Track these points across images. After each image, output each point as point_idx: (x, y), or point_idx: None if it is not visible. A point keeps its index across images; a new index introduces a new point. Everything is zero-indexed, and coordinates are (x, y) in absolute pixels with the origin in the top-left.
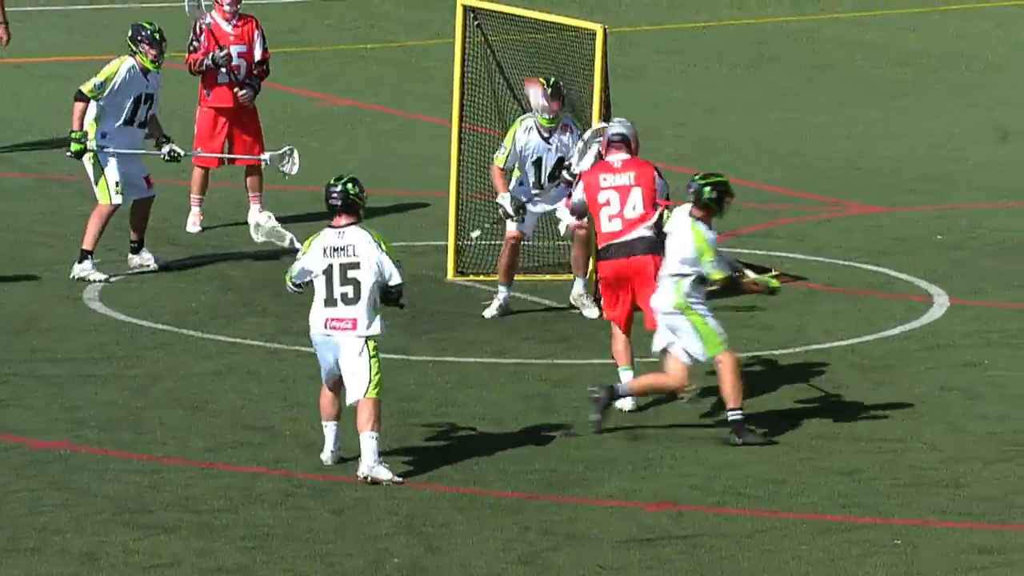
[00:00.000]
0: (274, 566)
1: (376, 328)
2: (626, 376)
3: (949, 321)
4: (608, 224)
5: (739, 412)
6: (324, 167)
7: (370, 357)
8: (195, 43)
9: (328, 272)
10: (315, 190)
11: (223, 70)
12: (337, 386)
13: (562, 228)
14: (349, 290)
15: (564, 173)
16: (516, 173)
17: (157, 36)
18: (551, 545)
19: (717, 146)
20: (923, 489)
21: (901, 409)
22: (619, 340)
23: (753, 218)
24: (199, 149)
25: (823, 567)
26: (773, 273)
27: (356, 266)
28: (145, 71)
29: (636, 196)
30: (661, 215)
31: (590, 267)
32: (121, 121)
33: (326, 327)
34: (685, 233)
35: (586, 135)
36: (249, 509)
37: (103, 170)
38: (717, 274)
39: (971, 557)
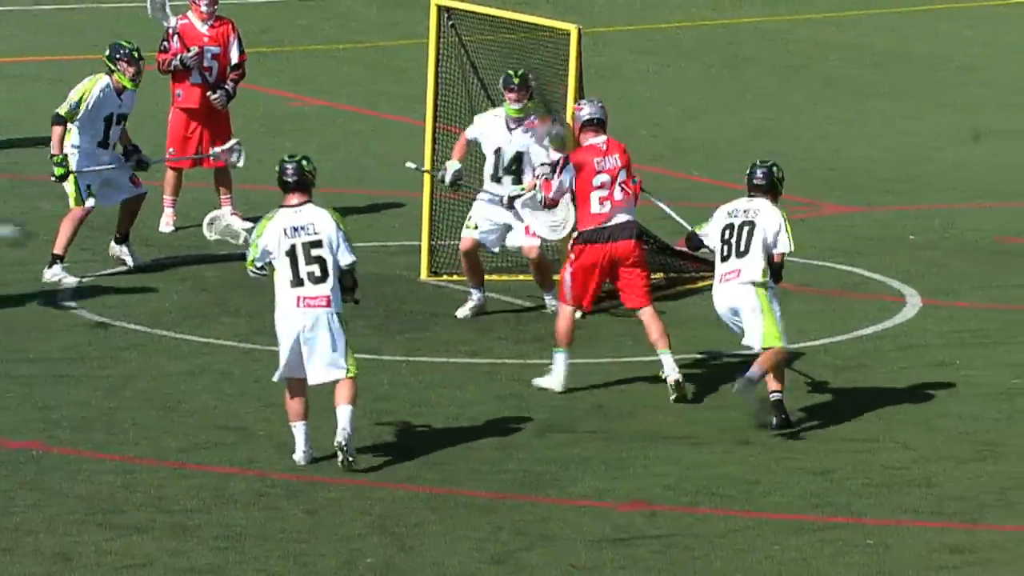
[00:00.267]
0: (247, 566)
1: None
2: (562, 357)
3: (922, 321)
4: (599, 206)
5: (779, 393)
6: None
7: (345, 334)
8: (165, 43)
9: (292, 253)
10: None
11: (196, 71)
12: (300, 384)
13: (510, 242)
14: (315, 268)
15: (536, 179)
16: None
17: (135, 55)
18: (524, 545)
19: (692, 146)
20: (895, 488)
21: (874, 409)
22: (566, 321)
23: None
24: (171, 150)
25: (796, 566)
26: None
27: (319, 244)
28: (119, 91)
29: (623, 176)
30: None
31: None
32: (96, 142)
33: (299, 305)
34: (775, 217)
35: (544, 140)
36: (222, 509)
37: (68, 176)
38: (791, 247)
39: (943, 556)
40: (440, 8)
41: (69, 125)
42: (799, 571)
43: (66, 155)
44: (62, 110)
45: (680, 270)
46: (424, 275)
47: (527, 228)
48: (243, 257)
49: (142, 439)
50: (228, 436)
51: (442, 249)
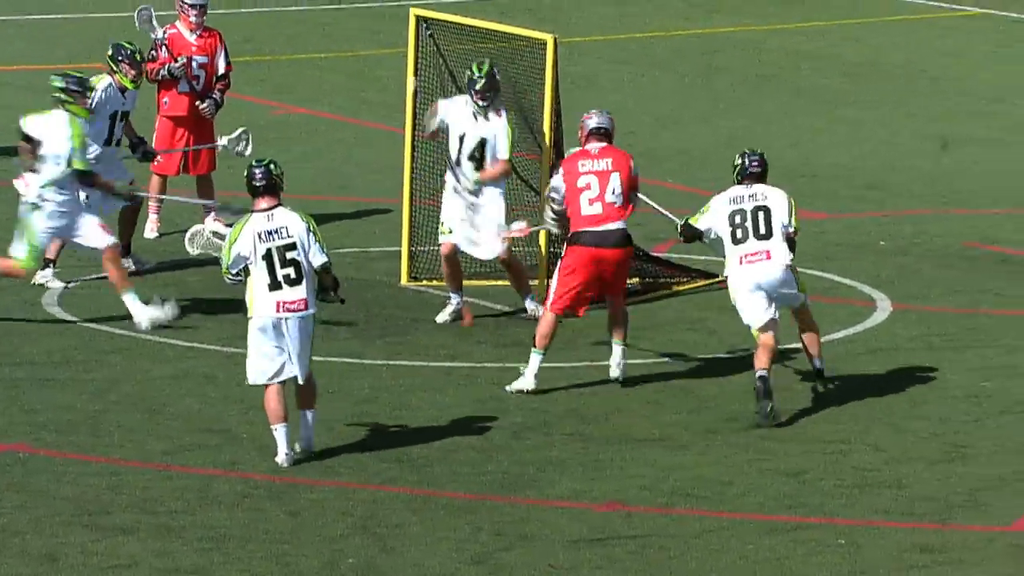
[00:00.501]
0: (231, 567)
1: (315, 305)
2: (537, 359)
3: (892, 325)
4: (588, 208)
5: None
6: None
7: (312, 337)
8: (153, 52)
9: (268, 257)
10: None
11: (183, 80)
12: (279, 387)
13: (478, 254)
14: (291, 271)
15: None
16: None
17: (137, 57)
18: (503, 545)
19: (666, 154)
20: (867, 490)
21: (845, 412)
22: (547, 324)
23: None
24: (159, 158)
25: (769, 566)
26: (719, 279)
27: (293, 247)
28: (123, 89)
29: (615, 181)
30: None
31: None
32: (102, 141)
33: (279, 310)
34: (783, 198)
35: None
36: (206, 511)
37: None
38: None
39: (913, 556)
40: (418, 18)
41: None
42: (773, 571)
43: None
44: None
45: (656, 275)
46: (404, 280)
47: (489, 235)
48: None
49: (127, 442)
50: (212, 439)
51: (422, 255)
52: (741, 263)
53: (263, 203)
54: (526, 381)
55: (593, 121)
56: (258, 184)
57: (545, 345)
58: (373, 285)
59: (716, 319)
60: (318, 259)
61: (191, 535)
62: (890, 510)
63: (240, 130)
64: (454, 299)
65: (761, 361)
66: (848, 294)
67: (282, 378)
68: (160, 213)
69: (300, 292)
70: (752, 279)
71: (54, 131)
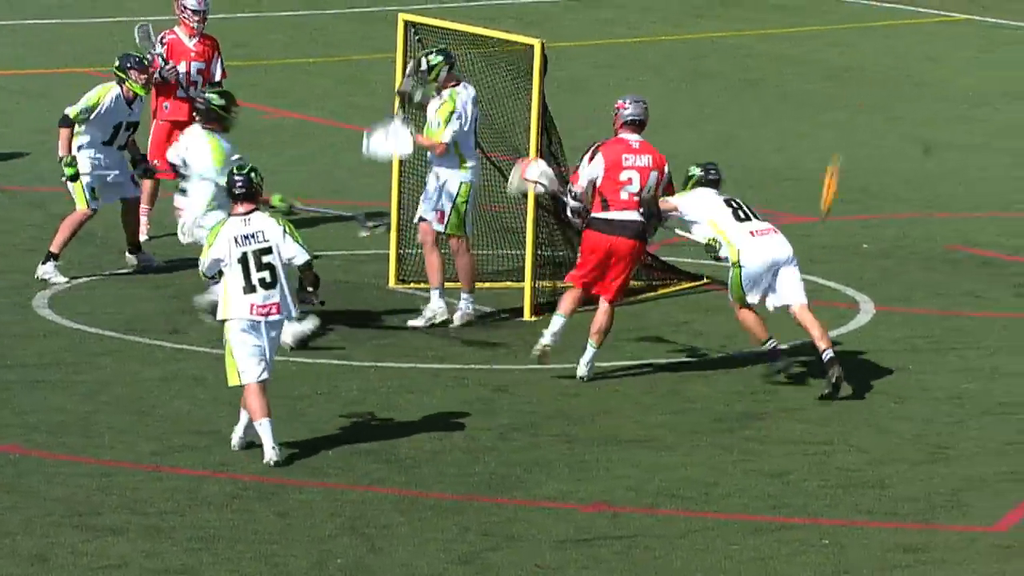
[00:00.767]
0: (220, 567)
1: (293, 310)
2: (559, 321)
3: (875, 327)
4: (627, 201)
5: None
6: (272, 180)
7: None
8: (149, 56)
9: (244, 260)
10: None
11: (181, 86)
12: (260, 384)
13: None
14: (266, 275)
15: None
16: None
17: (145, 62)
18: (490, 545)
19: None
20: (850, 490)
21: (829, 413)
22: (574, 296)
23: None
24: (156, 162)
25: (754, 566)
26: (704, 280)
27: (268, 251)
28: (130, 100)
29: (653, 180)
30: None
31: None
32: (101, 141)
33: (252, 312)
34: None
35: (536, 176)
36: (196, 511)
37: (79, 176)
38: None
39: (896, 556)
40: (407, 23)
41: (76, 127)
42: (757, 570)
43: (74, 156)
44: (72, 112)
45: (649, 279)
46: (392, 283)
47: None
48: None
49: (117, 443)
50: (201, 440)
51: (410, 257)
52: (752, 236)
53: (240, 208)
54: (544, 339)
55: (628, 111)
56: (238, 192)
57: (567, 311)
58: (362, 287)
59: (702, 321)
60: (300, 258)
61: (180, 536)
62: (873, 510)
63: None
64: (464, 301)
65: (762, 332)
66: (832, 297)
67: (264, 377)
68: (151, 215)
69: (274, 296)
70: (769, 252)
71: (196, 152)
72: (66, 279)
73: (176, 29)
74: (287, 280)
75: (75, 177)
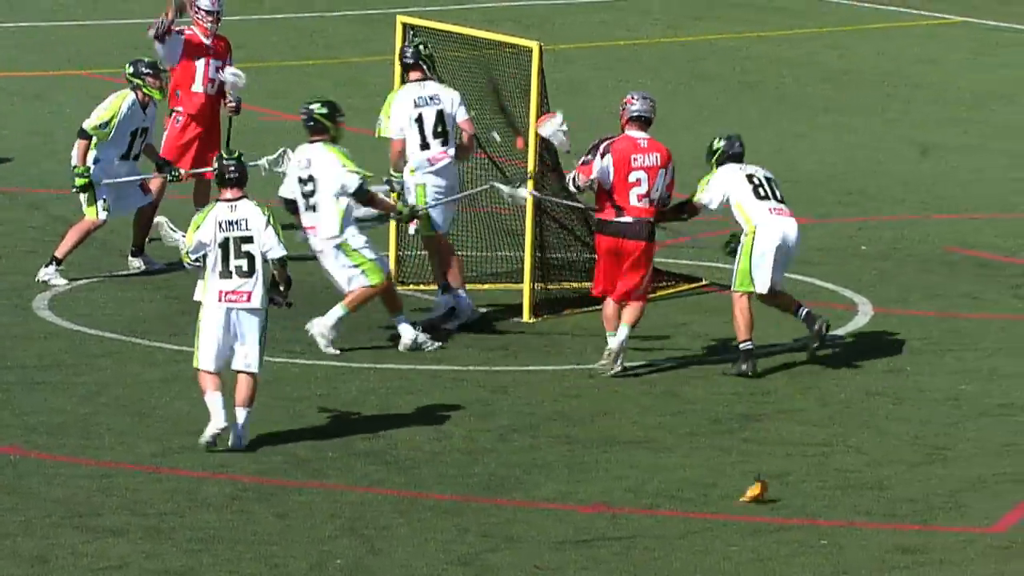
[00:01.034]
0: (220, 568)
1: (265, 301)
2: (614, 340)
3: (873, 329)
4: (637, 202)
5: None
6: (274, 180)
7: (262, 331)
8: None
9: (224, 246)
10: (261, 202)
11: (198, 81)
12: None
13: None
14: (244, 263)
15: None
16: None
17: (159, 66)
18: (490, 546)
19: None
20: (849, 491)
21: (828, 414)
22: (610, 306)
23: (685, 229)
24: (182, 171)
25: (752, 567)
26: (703, 282)
27: (249, 239)
28: (144, 105)
29: (661, 180)
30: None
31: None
32: (119, 155)
33: (221, 299)
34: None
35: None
36: (195, 512)
37: (94, 188)
38: None
39: (895, 556)
40: (406, 26)
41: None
42: (756, 571)
43: (89, 167)
44: (89, 126)
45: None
46: None
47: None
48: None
49: (117, 444)
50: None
51: (409, 259)
52: (771, 213)
53: (228, 194)
54: (613, 345)
55: (636, 107)
56: (230, 177)
57: (613, 326)
58: None
59: (701, 322)
60: (276, 252)
61: (180, 536)
62: (872, 511)
63: (280, 150)
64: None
65: (746, 332)
66: (830, 298)
67: (221, 368)
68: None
69: (247, 285)
70: (781, 230)
71: (322, 167)
72: (66, 281)
73: (192, 27)
74: (265, 274)
75: (85, 188)
